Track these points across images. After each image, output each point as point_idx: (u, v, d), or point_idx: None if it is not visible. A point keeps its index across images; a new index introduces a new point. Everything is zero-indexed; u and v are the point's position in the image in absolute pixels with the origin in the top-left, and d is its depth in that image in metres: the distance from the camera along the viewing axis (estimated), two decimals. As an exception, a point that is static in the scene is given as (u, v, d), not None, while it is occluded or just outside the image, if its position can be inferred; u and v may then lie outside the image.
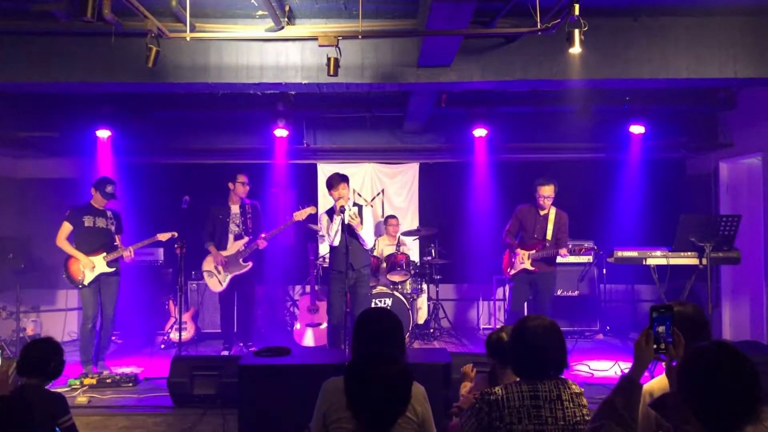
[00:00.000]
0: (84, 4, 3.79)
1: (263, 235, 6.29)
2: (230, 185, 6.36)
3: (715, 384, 1.72)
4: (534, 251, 5.90)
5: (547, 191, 5.86)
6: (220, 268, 6.25)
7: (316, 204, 7.97)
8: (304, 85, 5.11)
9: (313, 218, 6.29)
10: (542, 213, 5.98)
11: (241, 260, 6.26)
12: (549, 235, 5.93)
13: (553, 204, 5.97)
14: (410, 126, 7.32)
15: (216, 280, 6.25)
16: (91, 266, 5.70)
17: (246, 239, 6.29)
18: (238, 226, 6.33)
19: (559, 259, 5.97)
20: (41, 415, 2.87)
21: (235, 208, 6.38)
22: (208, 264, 6.31)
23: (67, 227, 5.74)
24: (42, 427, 2.89)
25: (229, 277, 6.24)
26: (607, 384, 5.17)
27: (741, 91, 6.69)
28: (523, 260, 5.94)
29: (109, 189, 5.81)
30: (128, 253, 5.82)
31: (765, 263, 6.43)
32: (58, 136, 7.11)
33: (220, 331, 6.78)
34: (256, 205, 6.54)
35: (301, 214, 5.95)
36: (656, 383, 2.44)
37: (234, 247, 6.26)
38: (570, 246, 5.88)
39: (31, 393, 2.97)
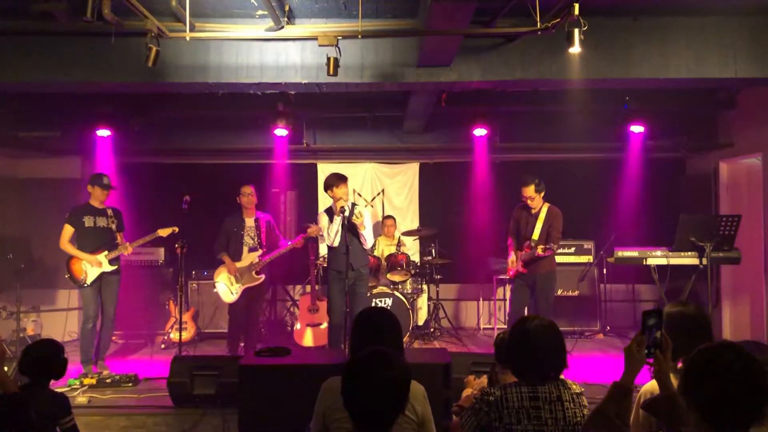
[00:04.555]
0: (84, 4, 3.79)
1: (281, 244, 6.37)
2: (238, 199, 6.33)
3: (722, 384, 1.69)
4: (523, 252, 5.79)
5: (526, 192, 5.74)
6: (233, 279, 6.20)
7: (316, 204, 7.99)
8: (304, 84, 5.10)
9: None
10: (533, 212, 5.85)
11: (254, 273, 6.22)
12: (535, 235, 5.73)
13: (547, 201, 5.85)
14: (410, 126, 7.32)
15: (228, 291, 6.21)
16: (99, 263, 5.71)
17: (260, 252, 6.27)
18: (253, 239, 6.32)
19: (559, 259, 5.89)
20: (42, 415, 2.87)
21: (249, 221, 6.35)
22: (220, 274, 6.28)
23: (68, 230, 5.74)
24: (43, 427, 2.89)
25: (242, 288, 6.21)
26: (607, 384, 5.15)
27: (741, 91, 6.68)
28: (515, 262, 5.87)
29: (105, 180, 5.82)
30: (128, 250, 5.83)
31: (765, 263, 6.43)
32: (58, 136, 7.10)
33: (219, 331, 6.75)
34: (270, 221, 6.52)
35: (314, 230, 6.05)
36: (656, 384, 2.43)
37: (248, 259, 6.23)
38: (550, 245, 5.54)
39: (32, 393, 2.98)
